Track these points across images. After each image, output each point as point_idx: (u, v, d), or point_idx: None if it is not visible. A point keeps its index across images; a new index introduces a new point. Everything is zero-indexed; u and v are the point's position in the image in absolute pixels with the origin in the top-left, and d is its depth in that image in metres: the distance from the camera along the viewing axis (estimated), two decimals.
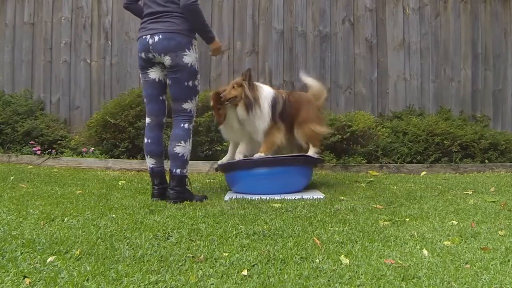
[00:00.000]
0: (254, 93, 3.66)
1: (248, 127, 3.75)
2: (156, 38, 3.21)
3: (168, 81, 3.32)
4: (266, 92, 3.79)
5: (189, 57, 3.23)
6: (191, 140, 3.34)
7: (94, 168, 5.12)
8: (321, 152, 4.03)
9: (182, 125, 3.31)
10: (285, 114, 3.82)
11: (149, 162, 3.41)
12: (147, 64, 3.34)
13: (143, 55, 3.31)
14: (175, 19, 3.23)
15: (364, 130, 5.35)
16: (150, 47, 3.23)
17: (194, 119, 3.44)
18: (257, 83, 3.83)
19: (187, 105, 3.31)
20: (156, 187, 3.38)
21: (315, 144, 3.90)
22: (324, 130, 4.00)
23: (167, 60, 3.23)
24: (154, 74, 3.36)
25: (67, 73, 6.21)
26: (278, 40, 6.17)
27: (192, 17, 3.23)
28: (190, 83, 3.27)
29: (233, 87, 3.66)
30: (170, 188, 3.30)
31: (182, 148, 3.28)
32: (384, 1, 6.24)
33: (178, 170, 3.29)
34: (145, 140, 3.42)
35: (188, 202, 3.24)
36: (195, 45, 3.30)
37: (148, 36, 3.24)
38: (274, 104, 3.75)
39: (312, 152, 3.86)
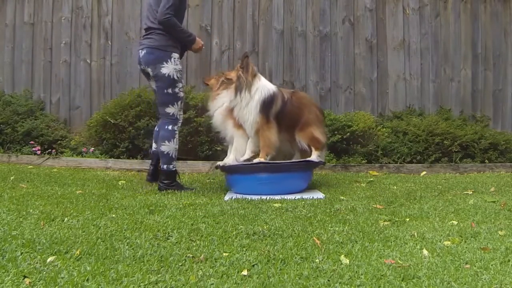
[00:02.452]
0: (247, 76, 3.67)
1: (240, 115, 3.72)
2: (143, 52, 3.75)
3: (155, 89, 3.85)
4: (262, 85, 3.73)
5: (167, 69, 3.67)
6: (175, 139, 3.76)
7: (94, 168, 5.12)
8: (324, 155, 3.97)
9: (166, 127, 3.75)
10: (284, 115, 3.75)
11: (153, 145, 3.99)
12: (145, 75, 3.88)
13: (139, 67, 3.86)
14: (156, 35, 3.70)
15: (364, 130, 5.35)
16: (140, 60, 3.78)
17: (181, 121, 3.84)
18: (259, 75, 3.80)
19: (169, 110, 3.74)
20: (151, 166, 4.00)
21: (317, 147, 3.82)
22: (321, 137, 3.88)
23: (150, 71, 3.73)
24: (153, 84, 3.83)
25: (67, 73, 6.21)
26: (278, 40, 6.16)
27: (169, 30, 3.66)
28: (170, 91, 3.70)
29: (236, 70, 3.82)
30: (160, 181, 3.78)
31: (166, 147, 3.74)
32: (384, 1, 6.24)
33: (165, 166, 3.76)
34: (156, 128, 3.99)
35: (187, 202, 3.25)
36: (174, 58, 3.71)
37: (140, 51, 3.79)
38: (269, 101, 3.68)
39: (315, 155, 3.79)
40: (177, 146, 3.77)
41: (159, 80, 3.70)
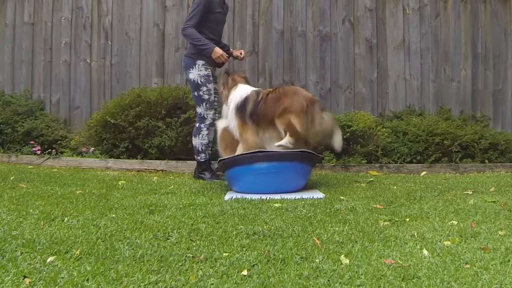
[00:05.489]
0: (225, 91, 4.01)
1: (229, 123, 3.94)
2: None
3: None
4: (237, 93, 3.91)
5: (192, 74, 4.21)
6: (201, 135, 4.28)
7: (94, 168, 5.12)
8: (295, 142, 3.74)
9: (196, 124, 4.34)
10: (258, 114, 3.77)
11: None
12: None
13: None
14: (188, 45, 4.36)
15: (364, 130, 5.35)
16: None
17: (208, 120, 4.26)
18: (239, 84, 3.97)
19: (198, 109, 4.29)
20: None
21: (291, 133, 3.67)
22: (298, 126, 3.67)
23: (185, 75, 4.38)
24: None
25: (67, 73, 6.21)
26: (278, 40, 6.17)
27: (187, 40, 4.27)
28: (196, 93, 4.24)
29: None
30: (195, 170, 4.44)
31: (194, 141, 4.34)
32: (384, 1, 6.24)
33: (195, 156, 4.38)
34: None
35: (187, 202, 3.26)
36: (198, 65, 4.20)
37: None
38: (241, 105, 3.83)
39: (286, 140, 3.68)
40: (203, 141, 4.28)
41: (189, 84, 4.37)
